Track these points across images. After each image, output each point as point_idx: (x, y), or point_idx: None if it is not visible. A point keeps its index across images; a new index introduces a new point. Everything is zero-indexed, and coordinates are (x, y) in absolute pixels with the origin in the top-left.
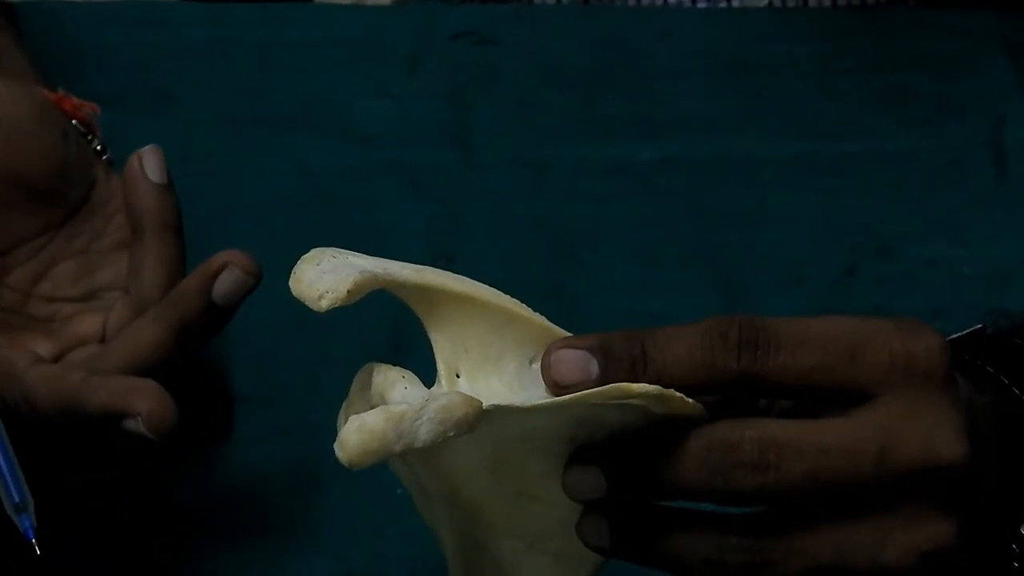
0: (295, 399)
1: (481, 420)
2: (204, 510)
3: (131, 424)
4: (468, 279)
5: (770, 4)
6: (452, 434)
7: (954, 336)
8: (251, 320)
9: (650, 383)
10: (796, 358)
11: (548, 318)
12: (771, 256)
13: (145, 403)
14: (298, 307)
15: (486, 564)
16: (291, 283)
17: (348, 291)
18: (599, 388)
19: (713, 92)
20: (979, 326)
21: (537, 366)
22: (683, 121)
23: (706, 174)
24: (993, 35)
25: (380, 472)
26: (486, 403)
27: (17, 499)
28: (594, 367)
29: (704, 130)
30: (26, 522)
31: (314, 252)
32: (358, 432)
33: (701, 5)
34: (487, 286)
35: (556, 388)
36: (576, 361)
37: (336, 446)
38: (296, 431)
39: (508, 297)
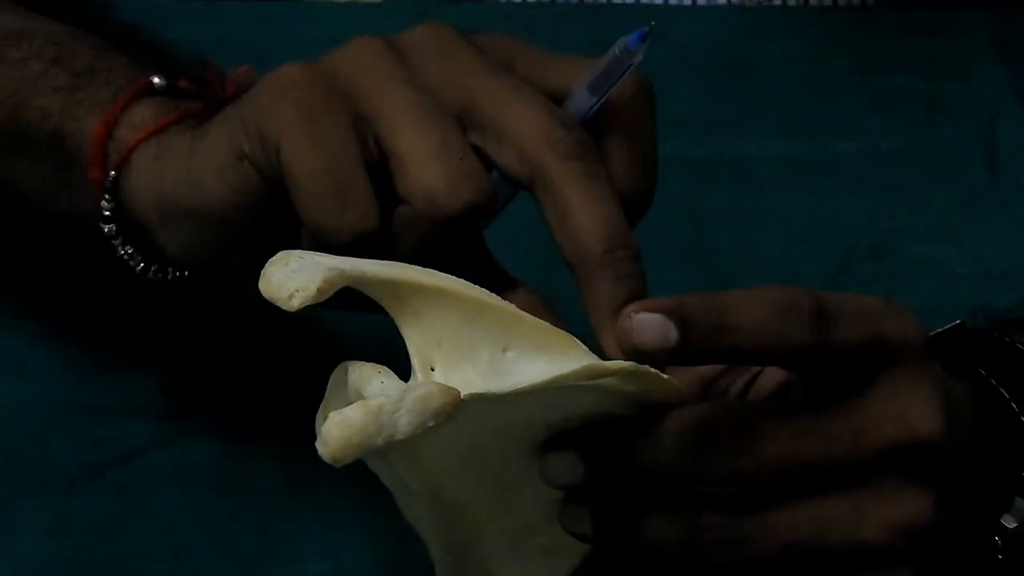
0: (284, 398)
1: (460, 409)
2: (195, 510)
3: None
4: (436, 272)
5: (760, 3)
6: (432, 424)
7: (934, 332)
8: (234, 320)
9: (726, 351)
10: (853, 330)
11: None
12: (764, 256)
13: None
14: (277, 307)
15: (472, 562)
16: (260, 284)
17: (318, 289)
18: (575, 369)
19: (706, 92)
20: (958, 322)
21: (511, 354)
22: (676, 121)
23: (699, 174)
24: (985, 35)
25: (372, 471)
26: (463, 393)
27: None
28: (672, 334)
29: (697, 130)
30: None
31: (281, 254)
32: (339, 427)
33: (686, 2)
34: (455, 277)
35: (636, 355)
36: (656, 326)
37: (318, 443)
38: (285, 430)
39: (477, 287)
